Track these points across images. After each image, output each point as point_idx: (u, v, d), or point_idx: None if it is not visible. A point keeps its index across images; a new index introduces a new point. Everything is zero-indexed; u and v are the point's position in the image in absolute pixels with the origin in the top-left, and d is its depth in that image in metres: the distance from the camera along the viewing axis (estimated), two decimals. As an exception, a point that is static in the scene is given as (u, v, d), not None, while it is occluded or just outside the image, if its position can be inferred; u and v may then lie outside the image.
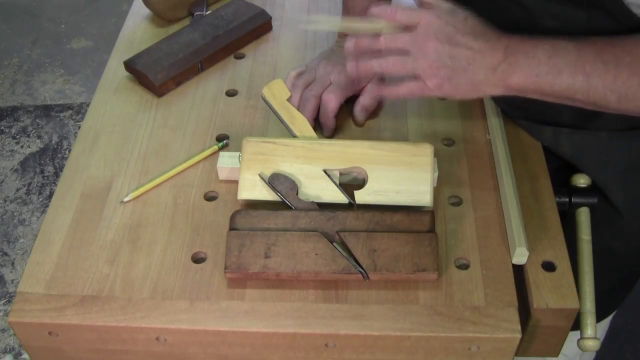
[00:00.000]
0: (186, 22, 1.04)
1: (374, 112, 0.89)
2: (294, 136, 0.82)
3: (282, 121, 0.83)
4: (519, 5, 0.75)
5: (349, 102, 0.91)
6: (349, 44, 0.75)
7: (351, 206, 0.77)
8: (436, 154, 0.79)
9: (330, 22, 0.85)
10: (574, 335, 0.75)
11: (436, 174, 0.79)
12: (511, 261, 0.73)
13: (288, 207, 0.75)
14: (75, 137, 1.27)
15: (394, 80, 0.75)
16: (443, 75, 0.71)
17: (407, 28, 0.72)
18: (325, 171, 0.77)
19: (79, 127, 1.28)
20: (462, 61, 0.70)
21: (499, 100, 0.87)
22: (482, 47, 0.70)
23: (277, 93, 0.84)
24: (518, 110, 0.85)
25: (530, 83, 0.69)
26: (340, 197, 0.77)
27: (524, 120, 0.85)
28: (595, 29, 0.72)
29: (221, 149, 0.85)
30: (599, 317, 0.75)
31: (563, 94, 0.69)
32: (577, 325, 0.73)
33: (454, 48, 0.70)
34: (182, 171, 0.83)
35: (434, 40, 0.70)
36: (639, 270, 1.02)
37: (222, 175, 0.81)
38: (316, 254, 0.71)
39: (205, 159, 0.84)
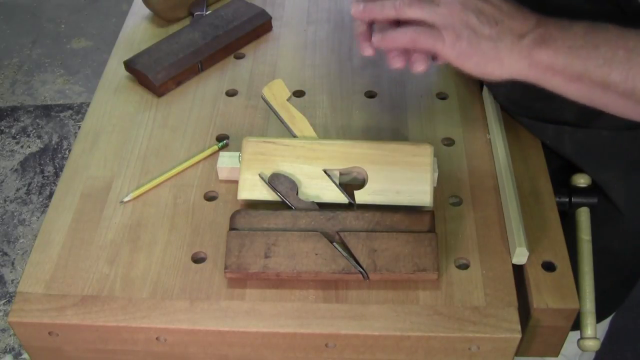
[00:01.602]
0: (186, 22, 1.04)
1: (375, 110, 0.89)
2: (294, 136, 0.82)
3: (282, 121, 0.83)
4: None
5: (347, 102, 0.91)
6: (355, 6, 0.67)
7: (351, 206, 0.77)
8: (436, 154, 0.79)
9: None
10: (573, 336, 0.75)
11: (436, 174, 0.79)
12: (511, 261, 0.73)
13: (288, 207, 0.75)
14: (75, 137, 1.27)
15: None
16: (464, 30, 0.62)
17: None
18: (325, 171, 0.77)
19: (79, 127, 1.28)
20: (489, 19, 0.62)
21: (500, 97, 0.87)
22: (512, 11, 0.63)
23: (277, 93, 0.84)
24: (520, 108, 0.85)
25: (560, 58, 0.62)
26: (340, 197, 0.77)
27: (526, 118, 0.85)
28: (599, 20, 0.72)
29: (221, 149, 0.85)
30: (599, 318, 0.75)
31: (598, 73, 0.61)
32: (577, 325, 0.73)
33: (484, 3, 0.63)
34: (182, 171, 0.83)
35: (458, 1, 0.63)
36: (639, 270, 1.02)
37: (222, 175, 0.81)
38: (316, 254, 0.71)
39: (205, 159, 0.84)
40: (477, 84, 0.93)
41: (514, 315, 0.69)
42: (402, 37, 0.64)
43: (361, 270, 0.70)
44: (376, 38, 0.66)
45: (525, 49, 0.62)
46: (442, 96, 0.92)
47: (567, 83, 0.63)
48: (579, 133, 0.82)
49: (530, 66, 0.63)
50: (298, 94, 0.93)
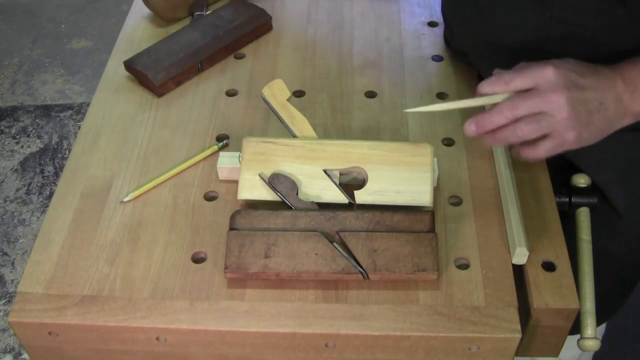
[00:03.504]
0: (186, 22, 1.04)
1: (375, 110, 0.89)
2: (294, 136, 0.82)
3: (282, 121, 0.83)
4: None
5: (347, 102, 0.91)
6: (468, 127, 0.72)
7: (351, 206, 0.77)
8: (436, 154, 0.79)
9: (434, 107, 0.78)
10: (571, 340, 0.75)
11: (436, 174, 0.79)
12: (511, 261, 0.73)
13: (288, 207, 0.75)
14: (75, 137, 1.27)
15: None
16: (580, 123, 0.68)
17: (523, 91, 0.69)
18: (325, 171, 0.77)
19: (79, 127, 1.28)
20: (594, 102, 0.68)
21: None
22: (603, 84, 0.69)
23: (277, 93, 0.84)
24: None
25: None
26: (340, 197, 0.77)
27: None
28: (606, 18, 0.72)
29: (221, 149, 0.85)
30: (598, 321, 0.75)
31: None
32: (574, 329, 0.73)
33: (583, 92, 0.68)
34: (182, 171, 0.83)
35: (563, 91, 0.67)
36: (637, 273, 1.02)
37: (222, 175, 0.81)
38: (316, 254, 0.71)
39: (205, 159, 0.84)
40: (477, 84, 0.93)
41: (514, 315, 0.69)
42: (539, 153, 0.71)
43: (361, 270, 0.70)
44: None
45: (626, 109, 0.69)
46: (442, 96, 0.92)
47: None
48: None
49: (634, 118, 0.71)
50: (298, 94, 0.93)
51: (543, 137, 0.70)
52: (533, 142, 0.70)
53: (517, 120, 0.69)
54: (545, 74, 0.68)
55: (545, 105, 0.68)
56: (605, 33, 0.73)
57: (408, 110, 0.77)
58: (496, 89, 0.71)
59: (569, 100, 0.67)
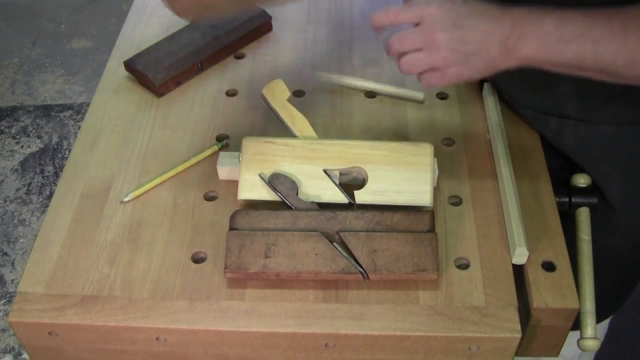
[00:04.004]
0: (186, 22, 1.04)
1: (375, 110, 0.89)
2: (294, 136, 0.82)
3: (282, 121, 0.83)
4: None
5: (347, 102, 0.91)
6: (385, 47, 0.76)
7: (351, 206, 0.77)
8: (436, 154, 0.79)
9: (343, 79, 0.91)
10: (572, 337, 0.75)
11: (436, 174, 0.79)
12: (511, 261, 0.73)
13: (288, 207, 0.75)
14: (75, 137, 1.27)
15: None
16: (459, 61, 0.71)
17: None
18: (325, 171, 0.77)
19: (79, 127, 1.28)
20: (473, 43, 0.70)
21: (503, 89, 0.87)
22: (487, 25, 0.70)
23: (277, 93, 0.84)
24: (523, 100, 0.85)
25: (540, 53, 0.69)
26: (340, 197, 0.77)
27: (529, 109, 0.85)
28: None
29: (221, 149, 0.85)
30: (599, 319, 0.75)
31: (572, 62, 0.69)
32: (575, 326, 0.73)
33: (464, 32, 0.70)
34: (182, 171, 0.83)
35: (440, 31, 0.70)
36: (638, 270, 1.02)
37: (222, 175, 0.81)
38: (316, 254, 0.71)
39: (205, 159, 0.84)
40: (477, 84, 0.93)
41: (514, 315, 0.69)
42: (423, 82, 0.74)
43: (361, 270, 0.70)
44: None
45: (510, 52, 0.70)
46: (442, 96, 0.92)
47: (552, 67, 0.71)
48: (581, 127, 0.82)
49: (518, 62, 0.71)
50: (298, 94, 0.93)
51: (432, 68, 0.73)
52: (426, 71, 0.74)
53: (408, 53, 0.73)
54: (428, 11, 0.71)
55: (425, 43, 0.71)
56: None
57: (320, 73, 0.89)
58: (385, 20, 0.74)
59: (447, 40, 0.70)
